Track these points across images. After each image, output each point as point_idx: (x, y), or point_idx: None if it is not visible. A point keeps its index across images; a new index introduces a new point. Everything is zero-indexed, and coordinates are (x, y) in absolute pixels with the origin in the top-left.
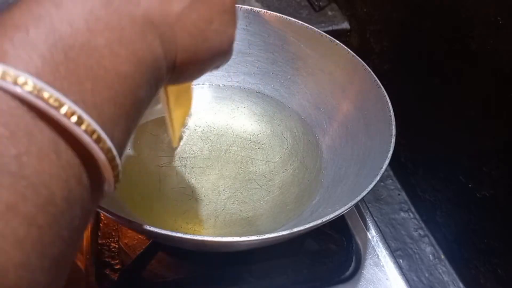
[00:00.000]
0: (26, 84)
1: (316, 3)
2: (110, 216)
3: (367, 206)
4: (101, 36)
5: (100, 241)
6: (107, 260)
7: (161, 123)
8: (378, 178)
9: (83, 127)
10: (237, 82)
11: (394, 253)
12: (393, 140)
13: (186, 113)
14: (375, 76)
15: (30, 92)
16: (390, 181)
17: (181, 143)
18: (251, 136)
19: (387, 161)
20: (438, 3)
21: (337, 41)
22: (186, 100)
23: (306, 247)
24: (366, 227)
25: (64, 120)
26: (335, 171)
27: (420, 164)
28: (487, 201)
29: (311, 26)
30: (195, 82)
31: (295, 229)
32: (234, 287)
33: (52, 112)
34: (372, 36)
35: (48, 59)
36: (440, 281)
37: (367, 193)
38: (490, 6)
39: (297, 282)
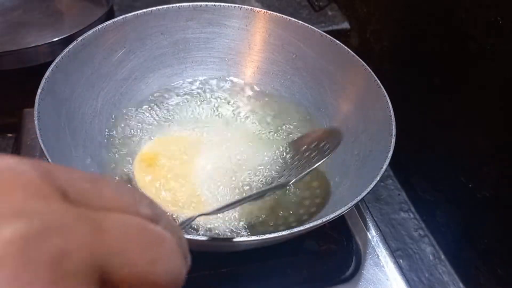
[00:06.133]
0: None
1: (316, 3)
2: None
3: (367, 206)
4: None
5: None
6: None
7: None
8: (378, 178)
9: None
10: (237, 82)
11: (394, 253)
12: (393, 140)
13: None
14: (375, 76)
15: None
16: (390, 181)
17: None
18: (251, 135)
19: (387, 161)
20: (438, 3)
21: (337, 41)
22: None
23: (306, 247)
24: (366, 227)
25: None
26: (335, 171)
27: (420, 164)
28: (487, 201)
29: (311, 26)
30: (195, 81)
31: (295, 229)
32: (234, 287)
33: None
34: (372, 36)
35: None
36: (440, 281)
37: (367, 193)
38: (490, 6)
39: (297, 282)
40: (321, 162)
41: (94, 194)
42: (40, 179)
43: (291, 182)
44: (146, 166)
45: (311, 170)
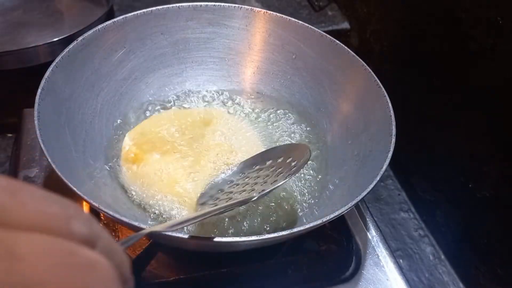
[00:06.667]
0: None
1: (316, 3)
2: (109, 216)
3: (367, 206)
4: None
5: None
6: None
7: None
8: (378, 178)
9: None
10: (237, 82)
11: (394, 253)
12: (393, 140)
13: None
14: (375, 76)
15: None
16: (390, 181)
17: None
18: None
19: (387, 161)
20: (438, 3)
21: (337, 41)
22: None
23: (306, 247)
24: (366, 227)
25: None
26: (335, 171)
27: (420, 164)
28: (487, 201)
29: (311, 26)
30: (195, 81)
31: (295, 229)
32: (234, 287)
33: None
34: (372, 36)
35: None
36: (440, 281)
37: (367, 193)
38: (490, 6)
39: (297, 282)
40: (286, 180)
41: (11, 208)
42: None
43: (252, 199)
44: (132, 162)
45: (275, 188)
